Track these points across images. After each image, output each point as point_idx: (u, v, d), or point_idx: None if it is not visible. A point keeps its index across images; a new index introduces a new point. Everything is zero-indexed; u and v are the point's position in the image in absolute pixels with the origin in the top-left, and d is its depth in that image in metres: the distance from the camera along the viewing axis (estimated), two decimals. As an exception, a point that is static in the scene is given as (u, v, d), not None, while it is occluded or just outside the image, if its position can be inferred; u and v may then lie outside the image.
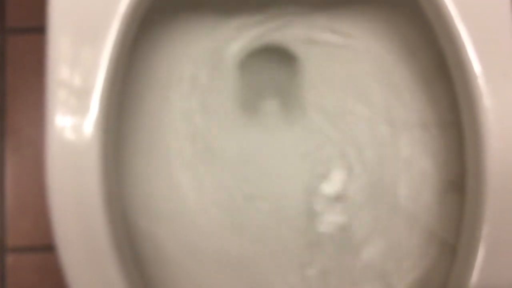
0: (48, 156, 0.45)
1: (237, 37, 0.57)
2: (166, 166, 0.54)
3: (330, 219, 0.54)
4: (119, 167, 0.49)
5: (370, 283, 0.53)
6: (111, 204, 0.44)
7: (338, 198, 0.55)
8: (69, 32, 0.45)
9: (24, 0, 0.86)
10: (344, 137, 0.55)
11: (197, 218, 0.53)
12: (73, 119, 0.44)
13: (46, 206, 0.79)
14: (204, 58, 0.57)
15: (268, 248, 0.53)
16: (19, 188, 0.83)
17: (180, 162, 0.54)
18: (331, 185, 0.55)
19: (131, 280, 0.43)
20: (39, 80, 0.83)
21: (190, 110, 0.55)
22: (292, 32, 0.57)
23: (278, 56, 0.58)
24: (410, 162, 0.54)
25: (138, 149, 0.53)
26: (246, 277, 0.52)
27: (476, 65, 0.46)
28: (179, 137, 0.55)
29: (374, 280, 0.52)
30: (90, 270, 0.43)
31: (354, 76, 0.56)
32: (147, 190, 0.53)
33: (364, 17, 0.56)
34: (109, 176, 0.44)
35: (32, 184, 0.83)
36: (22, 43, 0.86)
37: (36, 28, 0.86)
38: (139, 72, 0.54)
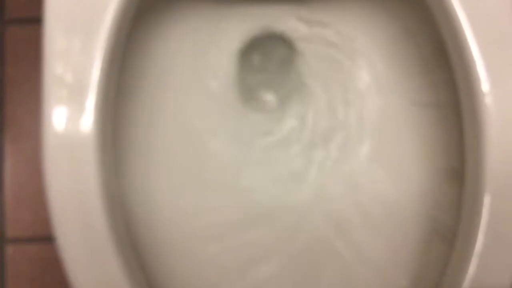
0: (46, 151, 0.45)
1: (236, 26, 0.57)
2: (164, 156, 0.54)
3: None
4: (116, 158, 0.49)
5: (368, 273, 0.53)
6: (109, 195, 0.44)
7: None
8: (64, 26, 0.46)
9: None
10: (344, 125, 0.55)
11: (195, 206, 0.53)
12: (69, 114, 0.44)
13: (45, 197, 0.80)
14: (202, 48, 0.56)
15: (270, 229, 0.53)
16: (18, 179, 0.83)
17: (177, 152, 0.54)
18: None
19: (130, 267, 0.43)
20: (38, 71, 0.83)
21: (188, 101, 0.55)
22: (291, 21, 0.57)
23: (277, 45, 0.57)
24: (410, 148, 0.54)
25: (136, 140, 0.53)
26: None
27: (475, 50, 0.45)
28: (177, 128, 0.55)
29: (371, 269, 0.52)
30: (89, 260, 0.43)
31: (353, 61, 0.56)
32: (145, 180, 0.53)
33: (365, 4, 0.56)
34: (107, 168, 0.44)
35: (31, 175, 0.83)
36: (21, 34, 0.86)
37: (35, 19, 0.85)
38: (136, 63, 0.54)
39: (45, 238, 0.81)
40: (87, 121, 0.44)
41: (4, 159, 0.83)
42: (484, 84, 0.45)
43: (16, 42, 0.86)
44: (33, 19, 0.86)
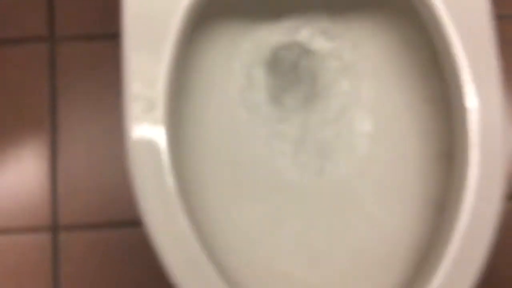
0: (129, 156, 0.55)
1: (263, 37, 0.68)
2: (208, 145, 0.65)
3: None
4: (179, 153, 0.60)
5: (374, 235, 0.64)
6: (179, 184, 0.55)
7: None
8: (138, 49, 0.57)
9: (71, 11, 0.96)
10: (354, 115, 0.67)
11: (232, 182, 0.65)
12: (145, 125, 0.55)
13: (94, 190, 0.89)
14: (237, 55, 0.68)
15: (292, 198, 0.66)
16: (70, 176, 0.91)
17: (218, 140, 0.66)
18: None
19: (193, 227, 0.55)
20: (86, 81, 0.94)
21: (226, 100, 0.67)
22: (311, 34, 0.69)
23: (298, 53, 0.69)
24: (410, 135, 0.65)
25: (189, 136, 0.64)
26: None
27: (462, 59, 0.58)
28: (219, 123, 0.66)
29: (375, 228, 0.63)
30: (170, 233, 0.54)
31: (363, 68, 0.68)
32: (195, 166, 0.64)
33: (372, 20, 0.68)
34: (176, 164, 0.55)
35: (81, 172, 0.92)
36: (71, 50, 0.95)
37: (83, 36, 0.96)
38: (188, 72, 0.65)
39: (94, 225, 0.90)
40: (160, 130, 0.55)
41: (57, 157, 0.92)
42: (469, 85, 0.57)
43: (66, 57, 0.95)
44: (81, 36, 0.96)
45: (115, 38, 0.91)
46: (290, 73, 0.69)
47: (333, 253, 0.63)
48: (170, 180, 0.54)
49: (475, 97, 0.57)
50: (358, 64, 0.68)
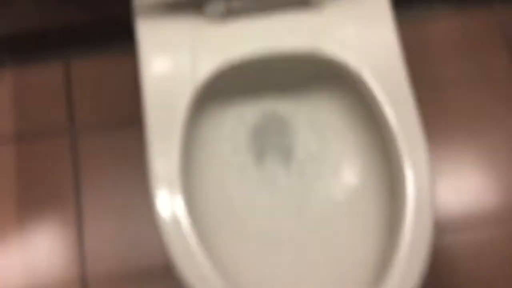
0: (158, 219, 0.75)
1: (249, 111, 0.89)
2: (210, 205, 0.85)
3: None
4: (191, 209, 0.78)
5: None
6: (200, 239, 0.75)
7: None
8: (158, 136, 0.78)
9: (90, 104, 1.13)
10: (319, 174, 0.87)
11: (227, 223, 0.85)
12: (167, 193, 0.76)
13: (119, 256, 1.03)
14: (228, 126, 0.89)
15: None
16: (98, 254, 1.04)
17: (218, 194, 0.86)
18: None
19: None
20: (107, 167, 1.09)
21: (221, 162, 0.87)
22: (285, 107, 0.90)
23: (278, 122, 0.90)
24: (368, 179, 0.85)
25: (193, 195, 0.82)
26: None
27: (394, 124, 0.79)
28: (218, 187, 0.86)
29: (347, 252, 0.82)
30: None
31: (322, 132, 0.89)
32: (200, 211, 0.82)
33: (329, 90, 0.90)
34: (193, 221, 0.75)
35: (109, 245, 1.06)
36: (91, 138, 1.12)
37: (101, 124, 1.13)
38: (195, 151, 0.85)
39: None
40: (179, 203, 0.75)
41: (83, 236, 1.05)
42: (402, 143, 0.78)
43: (86, 143, 1.11)
44: (97, 124, 1.13)
45: (130, 125, 1.07)
46: (268, 138, 0.89)
47: (314, 278, 0.81)
48: (189, 232, 0.75)
49: (406, 152, 0.78)
50: (321, 125, 0.89)
